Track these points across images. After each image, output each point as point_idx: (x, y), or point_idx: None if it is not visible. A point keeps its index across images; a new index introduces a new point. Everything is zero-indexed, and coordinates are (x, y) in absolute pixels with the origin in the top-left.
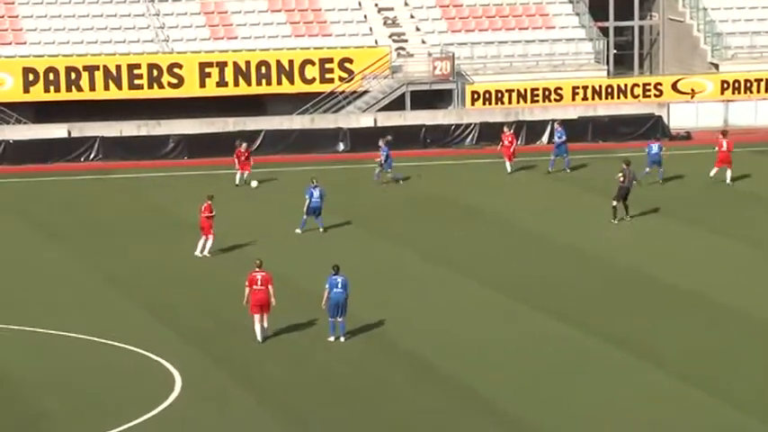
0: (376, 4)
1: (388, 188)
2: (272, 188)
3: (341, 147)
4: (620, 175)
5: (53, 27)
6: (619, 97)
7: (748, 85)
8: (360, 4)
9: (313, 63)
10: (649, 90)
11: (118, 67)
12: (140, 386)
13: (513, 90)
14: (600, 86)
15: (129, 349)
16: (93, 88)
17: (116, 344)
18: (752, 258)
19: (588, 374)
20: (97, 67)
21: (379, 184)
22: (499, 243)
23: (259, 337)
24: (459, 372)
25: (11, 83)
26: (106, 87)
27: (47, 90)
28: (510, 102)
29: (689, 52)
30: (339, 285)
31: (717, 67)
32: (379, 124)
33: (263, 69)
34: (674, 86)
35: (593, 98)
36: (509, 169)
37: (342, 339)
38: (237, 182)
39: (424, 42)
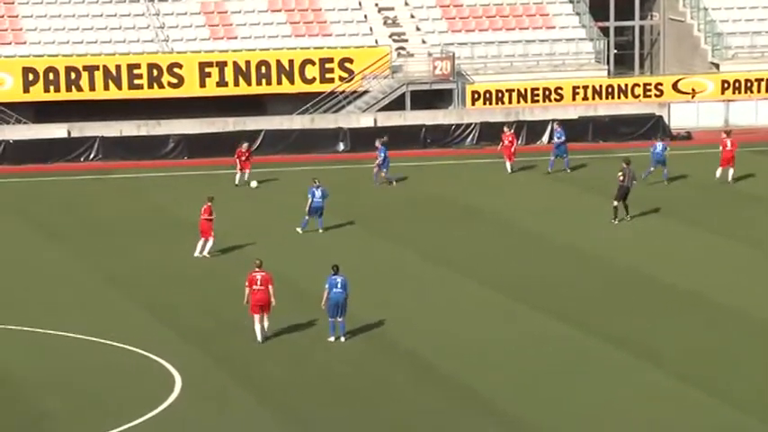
0: (376, 4)
1: (387, 188)
2: (272, 188)
3: (341, 147)
4: (620, 174)
5: (53, 27)
6: (619, 97)
7: (749, 84)
8: (360, 3)
9: (313, 63)
10: (650, 90)
11: (118, 67)
12: (141, 386)
13: (513, 90)
14: (600, 86)
15: (130, 349)
16: (92, 88)
17: (116, 344)
18: (751, 258)
19: (588, 374)
20: (97, 67)
21: (380, 185)
22: (499, 243)
23: (259, 338)
24: (459, 372)
25: (11, 83)
26: (106, 87)
27: (47, 90)
28: (510, 102)
29: (689, 52)
30: (339, 285)
31: (717, 66)
32: (379, 124)
33: (263, 69)
34: (674, 86)
35: (593, 98)
36: (509, 169)
37: (342, 339)
38: (237, 182)
39: (424, 42)
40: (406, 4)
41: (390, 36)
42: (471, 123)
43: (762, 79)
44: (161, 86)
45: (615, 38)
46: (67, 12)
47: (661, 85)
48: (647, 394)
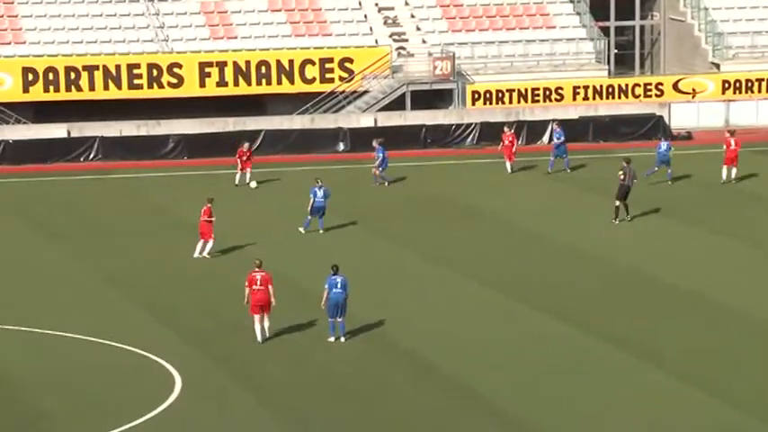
0: (376, 4)
1: (388, 188)
2: (272, 188)
3: (341, 147)
4: (621, 173)
5: (52, 27)
6: (620, 97)
7: (749, 84)
8: (360, 3)
9: (313, 63)
10: (650, 90)
11: (117, 67)
12: (140, 386)
13: (513, 90)
14: (601, 86)
15: (129, 349)
16: (92, 88)
17: (116, 344)
18: (752, 258)
19: (588, 374)
20: (97, 67)
21: (378, 185)
22: (499, 243)
23: (259, 338)
24: (459, 372)
25: (10, 83)
26: (106, 87)
27: (46, 90)
28: (510, 102)
29: (690, 52)
30: (338, 285)
31: (718, 66)
32: (379, 124)
33: (263, 69)
34: (675, 86)
35: (593, 98)
36: (509, 169)
37: (342, 339)
38: (237, 182)
39: (424, 42)
40: (407, 3)
41: (390, 36)
42: (471, 123)
43: (762, 79)
44: (161, 86)
45: (615, 38)
46: (67, 12)
47: (661, 85)
48: (648, 394)
